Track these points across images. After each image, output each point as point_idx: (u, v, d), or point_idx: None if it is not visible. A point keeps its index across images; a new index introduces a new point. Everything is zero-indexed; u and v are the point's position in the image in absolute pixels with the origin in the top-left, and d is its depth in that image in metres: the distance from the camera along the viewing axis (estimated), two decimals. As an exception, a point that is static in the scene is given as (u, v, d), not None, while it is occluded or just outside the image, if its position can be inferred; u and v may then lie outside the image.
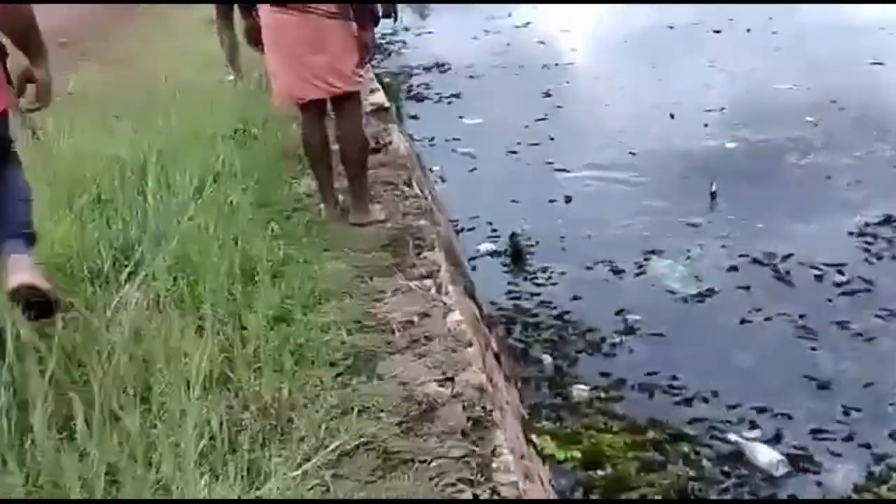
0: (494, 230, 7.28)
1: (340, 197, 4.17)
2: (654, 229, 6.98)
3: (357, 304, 3.26)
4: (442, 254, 3.82)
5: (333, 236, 3.85)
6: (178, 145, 4.51)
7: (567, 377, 5.16)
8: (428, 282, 3.49)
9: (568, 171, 8.43)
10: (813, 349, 5.33)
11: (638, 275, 6.37)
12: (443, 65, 12.49)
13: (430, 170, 7.90)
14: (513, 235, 6.92)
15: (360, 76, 3.94)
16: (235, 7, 5.96)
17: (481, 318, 4.42)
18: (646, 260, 6.54)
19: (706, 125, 9.37)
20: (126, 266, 3.29)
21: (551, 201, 7.75)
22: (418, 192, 4.55)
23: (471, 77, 11.85)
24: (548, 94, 10.82)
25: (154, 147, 4.35)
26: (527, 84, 11.24)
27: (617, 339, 5.54)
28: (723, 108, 9.80)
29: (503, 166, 8.67)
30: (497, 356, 4.31)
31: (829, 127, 9.03)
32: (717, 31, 13.23)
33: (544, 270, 6.51)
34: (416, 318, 3.17)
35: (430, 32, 14.67)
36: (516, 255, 6.74)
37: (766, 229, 6.89)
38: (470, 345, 3.02)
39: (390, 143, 5.10)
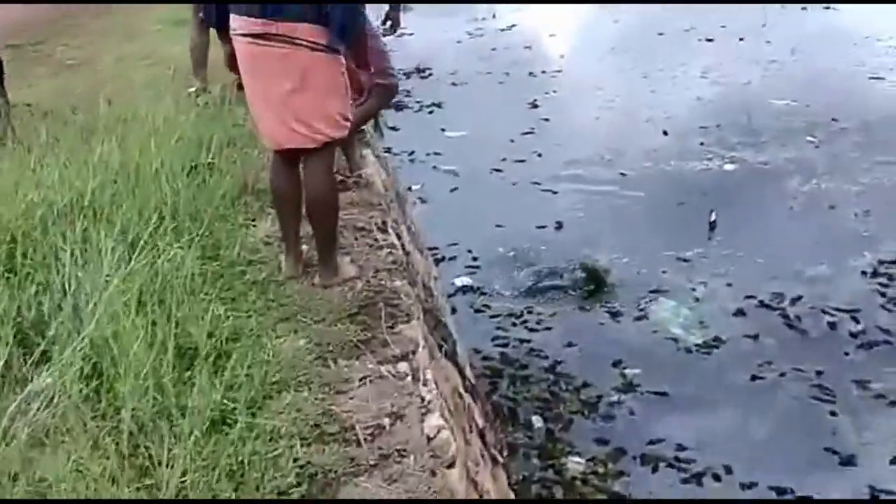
0: (475, 259, 6.76)
1: (304, 247, 3.59)
2: (652, 264, 6.44)
3: (316, 400, 2.71)
4: (420, 326, 3.24)
5: (293, 301, 3.28)
6: (117, 182, 3.89)
7: (560, 444, 4.61)
8: (402, 366, 2.93)
9: (555, 193, 7.88)
10: (833, 414, 4.82)
11: (638, 318, 5.83)
12: (424, 70, 11.87)
13: (409, 188, 7.32)
14: (585, 266, 6.37)
15: (348, 120, 3.35)
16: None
17: (464, 387, 3.85)
18: (647, 301, 6.00)
19: (702, 143, 8.82)
20: (39, 345, 2.73)
21: (539, 227, 7.19)
22: (394, 239, 3.97)
23: (453, 84, 11.27)
24: (534, 105, 10.26)
25: (87, 185, 3.74)
26: (512, 93, 10.65)
27: (615, 398, 5.00)
28: (718, 125, 9.24)
29: (487, 185, 8.10)
30: (482, 434, 3.76)
31: (831, 149, 8.52)
32: (710, 40, 12.66)
33: (531, 311, 5.93)
34: (387, 422, 2.62)
35: (410, 34, 14.00)
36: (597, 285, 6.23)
37: (771, 266, 6.37)
38: (452, 464, 2.46)
39: (360, 177, 4.50)
